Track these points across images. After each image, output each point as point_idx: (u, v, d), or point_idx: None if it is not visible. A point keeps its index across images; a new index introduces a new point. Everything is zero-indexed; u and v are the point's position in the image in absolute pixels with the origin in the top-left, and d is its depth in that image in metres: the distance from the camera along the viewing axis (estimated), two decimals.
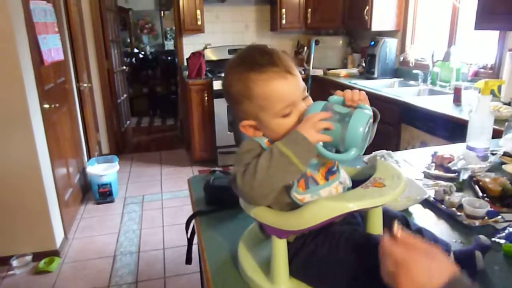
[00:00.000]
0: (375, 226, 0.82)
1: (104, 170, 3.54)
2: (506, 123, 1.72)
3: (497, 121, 1.73)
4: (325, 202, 0.71)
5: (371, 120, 0.75)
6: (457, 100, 2.59)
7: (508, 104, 2.39)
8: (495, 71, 2.80)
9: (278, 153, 0.69)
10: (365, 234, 0.80)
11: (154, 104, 7.24)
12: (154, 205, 3.49)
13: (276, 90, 0.73)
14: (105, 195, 3.50)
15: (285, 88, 0.74)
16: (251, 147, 0.76)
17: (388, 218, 0.84)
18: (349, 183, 0.83)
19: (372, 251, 0.70)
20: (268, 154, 0.70)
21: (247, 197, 0.73)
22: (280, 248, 0.77)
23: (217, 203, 1.21)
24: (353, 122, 0.70)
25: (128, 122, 5.50)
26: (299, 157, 0.69)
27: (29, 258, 2.57)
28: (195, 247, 1.18)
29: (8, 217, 2.54)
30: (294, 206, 0.75)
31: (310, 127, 0.70)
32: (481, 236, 0.91)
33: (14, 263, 2.52)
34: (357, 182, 0.82)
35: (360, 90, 0.78)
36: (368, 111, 0.74)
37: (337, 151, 0.75)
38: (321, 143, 0.72)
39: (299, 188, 0.75)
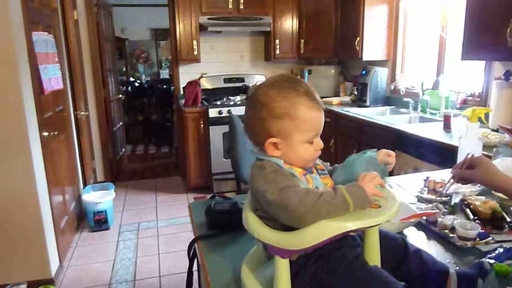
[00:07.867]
0: (373, 247, 0.86)
1: (99, 198, 3.54)
2: (495, 149, 1.79)
3: (486, 146, 1.80)
4: (325, 221, 0.76)
5: None
6: (447, 127, 2.68)
7: (496, 130, 2.47)
8: (482, 99, 2.90)
9: (342, 197, 0.76)
10: (363, 264, 0.83)
11: (149, 132, 7.29)
12: (150, 233, 3.48)
13: (316, 119, 0.86)
14: (100, 222, 3.49)
15: (320, 120, 0.87)
16: (274, 167, 0.83)
17: (389, 240, 0.90)
18: None
19: (368, 282, 0.79)
20: (332, 192, 0.77)
21: (296, 214, 0.76)
22: (282, 267, 0.81)
23: (219, 227, 1.24)
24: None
25: (123, 149, 5.52)
26: (355, 207, 0.77)
27: (23, 286, 2.54)
28: (194, 272, 1.20)
29: (4, 244, 2.52)
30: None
31: (370, 184, 0.79)
32: (484, 261, 0.96)
33: None
34: None
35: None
36: None
37: None
38: None
39: None
